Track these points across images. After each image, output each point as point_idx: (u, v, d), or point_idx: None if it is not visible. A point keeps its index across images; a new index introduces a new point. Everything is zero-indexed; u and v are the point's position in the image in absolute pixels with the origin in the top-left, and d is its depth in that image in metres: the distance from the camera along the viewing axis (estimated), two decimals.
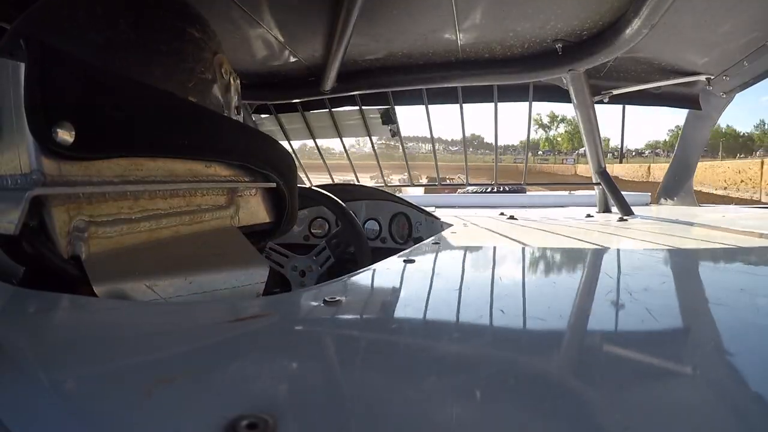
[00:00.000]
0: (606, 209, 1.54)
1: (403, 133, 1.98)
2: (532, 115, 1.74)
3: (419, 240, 1.25)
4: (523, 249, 0.77)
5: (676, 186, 1.92)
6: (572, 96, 1.40)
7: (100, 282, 0.36)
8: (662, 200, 1.97)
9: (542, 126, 50.38)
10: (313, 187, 1.24)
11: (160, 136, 0.43)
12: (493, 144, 1.95)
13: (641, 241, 0.88)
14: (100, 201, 0.39)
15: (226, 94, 0.55)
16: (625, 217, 1.33)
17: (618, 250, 0.79)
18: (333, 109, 1.87)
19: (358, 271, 0.51)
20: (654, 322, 0.33)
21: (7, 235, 0.34)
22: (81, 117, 0.36)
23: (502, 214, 1.53)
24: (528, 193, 2.69)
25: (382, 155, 2.19)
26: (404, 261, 0.56)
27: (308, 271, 1.16)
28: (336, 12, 1.06)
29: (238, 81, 0.58)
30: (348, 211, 1.08)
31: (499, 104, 1.67)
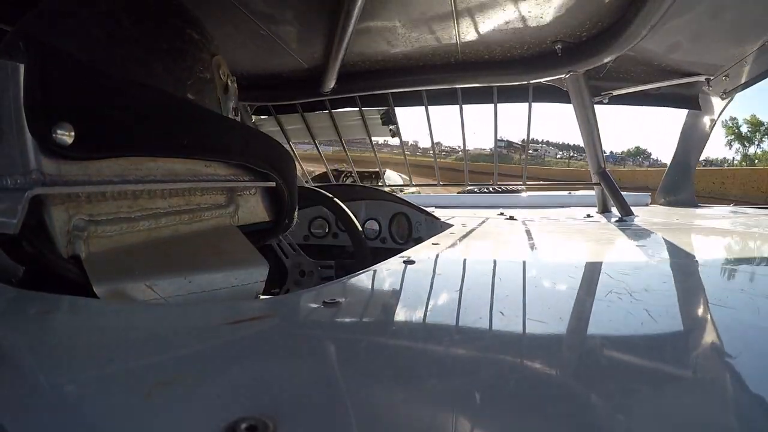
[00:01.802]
0: (605, 210, 1.54)
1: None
2: (532, 115, 1.74)
3: (419, 240, 1.24)
4: (523, 250, 0.77)
5: (676, 186, 1.92)
6: (572, 97, 1.40)
7: (100, 281, 0.36)
8: (662, 201, 1.97)
9: (739, 137, 30.85)
10: (313, 187, 1.24)
11: (160, 136, 0.44)
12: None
13: (641, 242, 0.88)
14: (100, 200, 0.40)
15: (224, 95, 0.55)
16: (624, 218, 1.33)
17: (617, 251, 0.79)
18: (333, 111, 1.87)
19: (358, 272, 0.51)
20: (654, 324, 0.33)
21: (7, 234, 0.34)
22: (80, 117, 0.36)
23: (501, 214, 1.52)
24: (527, 193, 2.68)
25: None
26: (404, 262, 0.56)
27: (308, 275, 1.16)
28: (336, 13, 1.06)
29: (235, 84, 0.59)
30: (347, 212, 1.08)
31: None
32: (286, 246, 1.16)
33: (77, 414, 0.20)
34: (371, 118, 1.86)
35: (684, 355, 0.29)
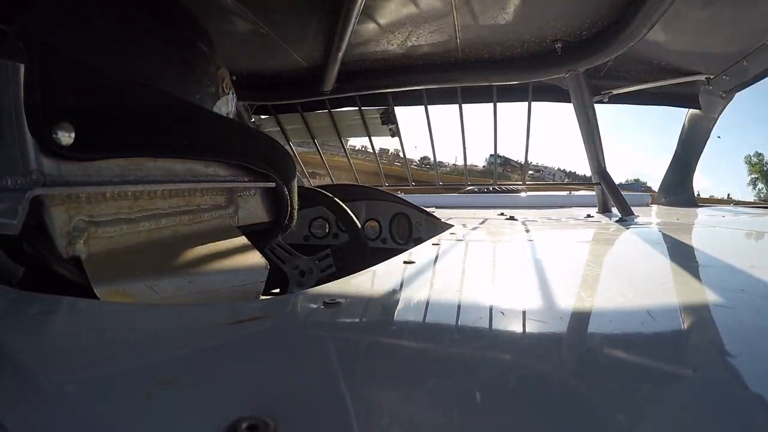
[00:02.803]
0: (606, 210, 1.54)
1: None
2: (532, 114, 1.73)
3: (419, 240, 1.24)
4: (523, 250, 0.77)
5: (676, 186, 1.92)
6: (572, 96, 1.40)
7: (100, 282, 0.36)
8: (662, 200, 1.97)
9: (765, 176, 25.37)
10: (313, 188, 1.24)
11: (160, 137, 0.43)
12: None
13: (641, 242, 0.88)
14: (100, 201, 0.40)
15: (226, 105, 0.57)
16: (625, 218, 1.33)
17: (618, 251, 0.79)
18: (333, 110, 1.87)
19: (358, 272, 0.51)
20: (654, 323, 0.33)
21: (7, 235, 0.34)
22: (80, 118, 0.36)
23: (501, 214, 1.53)
24: (527, 193, 2.68)
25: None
26: (404, 262, 0.56)
27: (308, 273, 1.16)
28: (336, 12, 1.06)
29: (234, 93, 0.60)
30: (348, 212, 1.08)
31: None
32: (280, 251, 1.16)
33: (78, 414, 0.20)
34: (371, 117, 1.86)
35: (684, 354, 0.29)
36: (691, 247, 0.80)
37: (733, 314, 0.36)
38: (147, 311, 0.36)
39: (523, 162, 1.89)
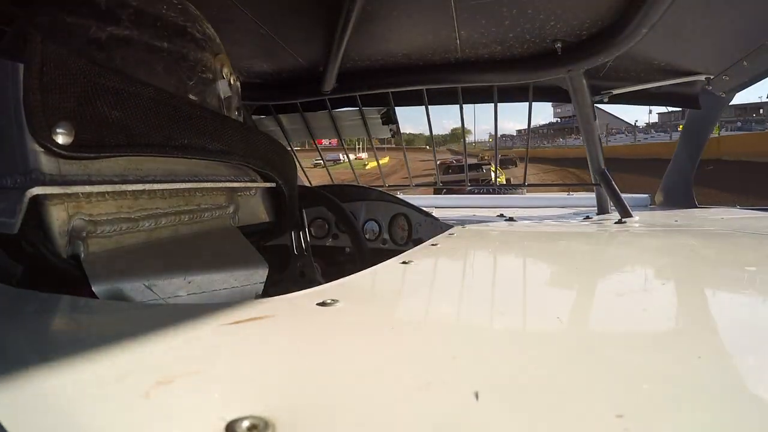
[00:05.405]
0: (605, 211, 1.54)
1: None
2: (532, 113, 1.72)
3: (419, 241, 1.25)
4: (522, 251, 0.77)
5: (677, 187, 1.92)
6: (572, 96, 1.40)
7: (99, 281, 0.36)
8: (661, 201, 1.97)
9: None
10: (313, 188, 1.24)
11: (160, 136, 0.44)
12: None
13: (640, 244, 0.88)
14: (100, 200, 0.40)
15: (227, 94, 0.55)
16: (623, 219, 1.33)
17: (616, 253, 0.79)
18: (333, 110, 1.87)
19: (357, 273, 0.51)
20: (653, 326, 0.33)
21: (6, 234, 0.34)
22: (80, 117, 0.36)
23: (501, 215, 1.53)
24: (527, 194, 2.69)
25: None
26: (403, 263, 0.56)
27: (308, 280, 1.17)
28: (336, 12, 1.06)
29: (239, 82, 0.59)
30: (347, 212, 1.08)
31: None
32: (300, 245, 1.16)
33: (77, 413, 0.20)
34: (371, 117, 1.86)
35: (683, 356, 0.29)
36: (690, 249, 0.80)
37: (733, 315, 0.36)
38: (146, 311, 0.36)
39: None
